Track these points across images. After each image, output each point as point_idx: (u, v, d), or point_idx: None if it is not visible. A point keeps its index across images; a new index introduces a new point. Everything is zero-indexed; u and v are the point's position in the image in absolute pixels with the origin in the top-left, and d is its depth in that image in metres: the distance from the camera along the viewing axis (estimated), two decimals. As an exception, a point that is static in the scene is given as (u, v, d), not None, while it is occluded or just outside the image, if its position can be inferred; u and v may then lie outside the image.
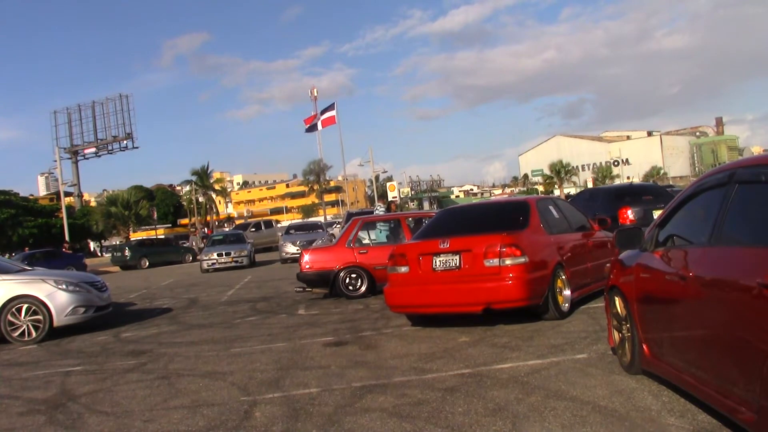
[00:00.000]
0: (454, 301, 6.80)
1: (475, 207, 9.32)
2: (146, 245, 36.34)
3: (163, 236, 47.77)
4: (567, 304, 7.06)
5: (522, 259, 6.50)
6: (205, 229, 48.87)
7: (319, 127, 57.52)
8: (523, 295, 6.51)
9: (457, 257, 6.76)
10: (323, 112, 57.98)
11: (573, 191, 74.87)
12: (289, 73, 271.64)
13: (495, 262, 6.52)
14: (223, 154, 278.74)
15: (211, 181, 78.16)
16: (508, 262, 6.50)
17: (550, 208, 7.99)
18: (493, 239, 6.63)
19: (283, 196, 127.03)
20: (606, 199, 12.62)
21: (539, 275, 6.64)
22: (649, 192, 13.12)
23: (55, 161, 46.76)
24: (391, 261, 7.33)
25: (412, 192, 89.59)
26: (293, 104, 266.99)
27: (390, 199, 52.70)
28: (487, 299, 6.54)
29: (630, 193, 13.20)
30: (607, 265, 8.02)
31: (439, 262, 6.86)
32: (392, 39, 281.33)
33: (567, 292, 7.13)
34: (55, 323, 9.38)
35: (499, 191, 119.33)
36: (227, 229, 49.20)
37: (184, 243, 41.45)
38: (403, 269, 7.11)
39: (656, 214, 12.01)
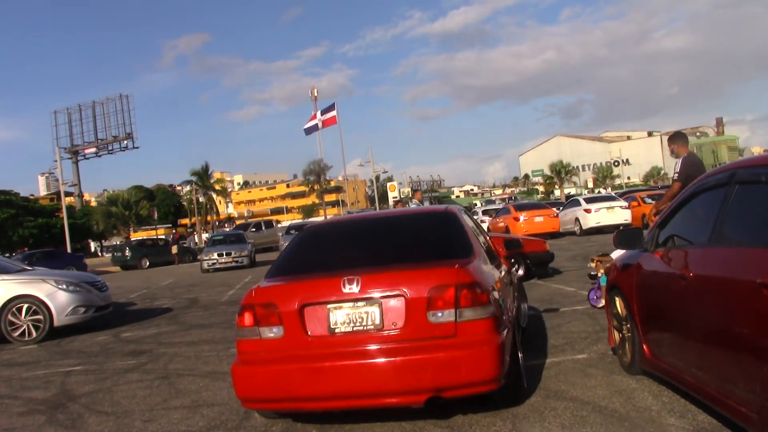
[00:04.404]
0: (373, 389, 3.82)
1: (374, 220, 5.65)
2: (147, 245, 36.37)
3: (163, 236, 47.74)
4: (524, 376, 4.48)
5: (490, 309, 3.87)
6: (174, 232, 46.66)
7: (320, 127, 57.57)
8: (495, 371, 3.78)
9: (376, 309, 3.88)
10: (323, 112, 57.99)
11: (573, 191, 74.93)
12: (289, 73, 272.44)
13: (447, 315, 3.80)
14: (223, 154, 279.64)
15: (212, 181, 78.09)
16: (468, 314, 3.80)
17: (472, 224, 5.29)
18: (441, 274, 3.93)
19: (283, 197, 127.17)
20: None
21: (508, 335, 4.02)
22: None
23: (56, 161, 46.69)
24: (245, 316, 4.06)
25: (413, 192, 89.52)
26: (293, 105, 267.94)
27: (392, 198, 52.50)
28: (436, 382, 3.74)
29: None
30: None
31: (342, 317, 3.92)
32: (392, 39, 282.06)
33: (521, 355, 4.47)
34: (56, 323, 9.39)
35: (500, 191, 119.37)
36: (228, 229, 49.17)
37: (184, 243, 41.52)
38: (271, 332, 3.99)
39: None
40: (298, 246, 4.98)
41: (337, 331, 3.93)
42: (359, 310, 3.92)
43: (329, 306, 3.95)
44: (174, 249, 34.39)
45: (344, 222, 6.15)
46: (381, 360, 3.82)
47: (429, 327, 3.83)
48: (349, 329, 3.92)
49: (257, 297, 4.14)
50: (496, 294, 4.09)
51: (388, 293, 3.90)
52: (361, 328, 3.90)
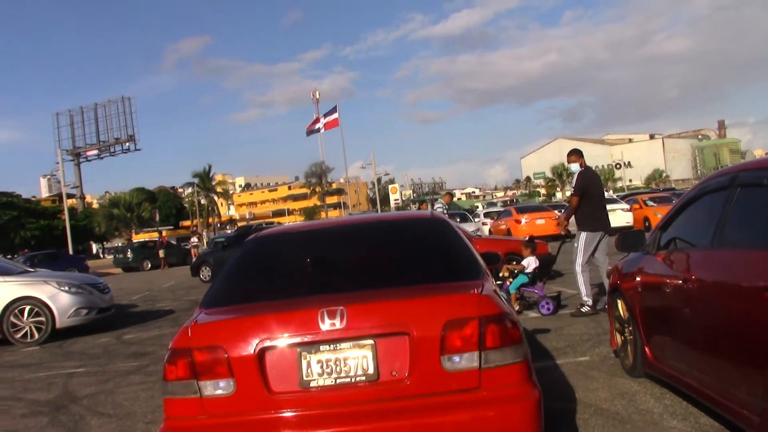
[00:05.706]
0: None
1: (349, 227, 4.28)
2: (148, 247, 36.40)
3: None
4: None
5: (522, 350, 2.83)
6: (159, 236, 45.62)
7: (321, 129, 57.73)
8: None
9: (369, 353, 2.78)
10: (325, 115, 58.15)
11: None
12: (290, 76, 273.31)
13: (468, 359, 2.75)
14: (225, 156, 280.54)
15: (213, 183, 78.29)
16: (496, 357, 2.76)
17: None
18: (457, 302, 2.91)
19: (285, 199, 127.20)
20: None
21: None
22: None
23: (58, 163, 46.85)
24: (179, 366, 2.95)
25: (414, 194, 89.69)
26: (295, 107, 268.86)
27: (393, 201, 52.50)
28: None
29: None
30: None
31: (319, 365, 2.79)
32: (394, 42, 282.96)
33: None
34: (58, 325, 9.41)
35: (501, 194, 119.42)
36: (229, 231, 49.24)
37: (186, 245, 41.57)
38: (217, 388, 2.83)
39: None
40: (250, 261, 3.66)
41: (312, 384, 2.77)
42: (344, 354, 2.77)
43: (301, 349, 2.78)
44: (161, 253, 34.14)
45: (310, 229, 4.25)
46: (376, 425, 2.72)
47: (443, 376, 2.75)
48: (330, 382, 2.77)
49: (195, 337, 2.97)
50: (520, 326, 2.91)
51: (386, 330, 2.79)
52: (348, 380, 2.77)
